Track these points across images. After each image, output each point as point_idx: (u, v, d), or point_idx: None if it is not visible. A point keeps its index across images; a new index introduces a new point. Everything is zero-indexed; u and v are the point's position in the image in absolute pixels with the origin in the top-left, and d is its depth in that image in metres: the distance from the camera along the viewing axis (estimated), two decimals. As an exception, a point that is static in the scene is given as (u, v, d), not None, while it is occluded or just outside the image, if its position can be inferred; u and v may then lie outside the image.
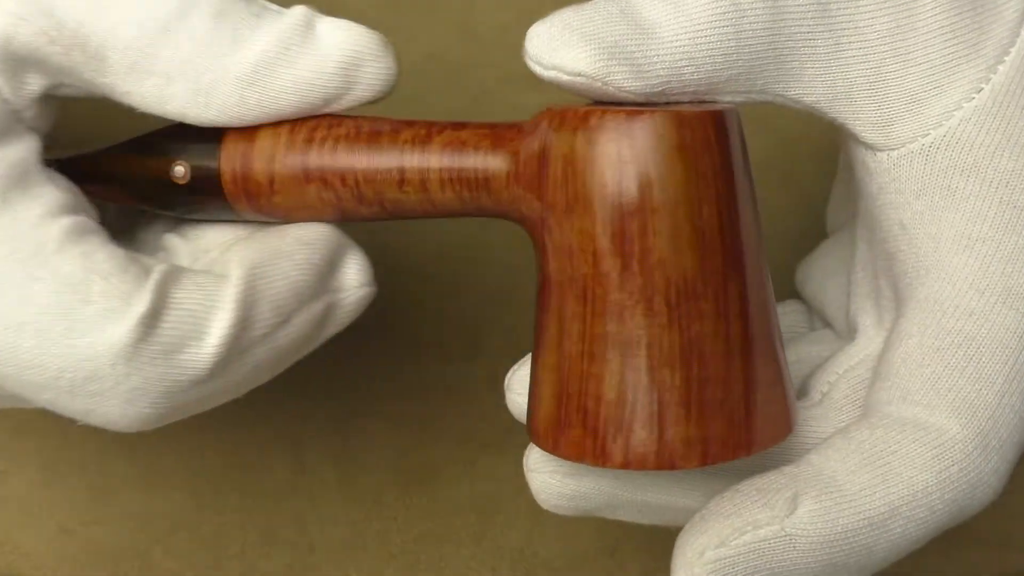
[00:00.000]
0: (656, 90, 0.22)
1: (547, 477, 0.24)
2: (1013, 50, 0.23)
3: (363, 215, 0.25)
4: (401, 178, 0.24)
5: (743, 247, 0.22)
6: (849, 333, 0.27)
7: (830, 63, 0.23)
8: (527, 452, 0.25)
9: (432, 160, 0.23)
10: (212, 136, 0.25)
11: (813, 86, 0.23)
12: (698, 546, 0.21)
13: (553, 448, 0.22)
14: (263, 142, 0.25)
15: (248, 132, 0.25)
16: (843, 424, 0.24)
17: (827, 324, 0.28)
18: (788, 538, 0.21)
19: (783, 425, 0.22)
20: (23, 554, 0.34)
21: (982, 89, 0.23)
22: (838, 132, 0.25)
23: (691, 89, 0.22)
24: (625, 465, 0.21)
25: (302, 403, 0.36)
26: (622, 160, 0.21)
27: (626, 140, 0.21)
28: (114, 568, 0.34)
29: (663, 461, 0.21)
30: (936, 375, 0.23)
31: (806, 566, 0.21)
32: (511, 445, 0.36)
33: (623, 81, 0.22)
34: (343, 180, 0.24)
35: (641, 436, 0.21)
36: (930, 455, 0.22)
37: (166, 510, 0.34)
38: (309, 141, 0.24)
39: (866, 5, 0.23)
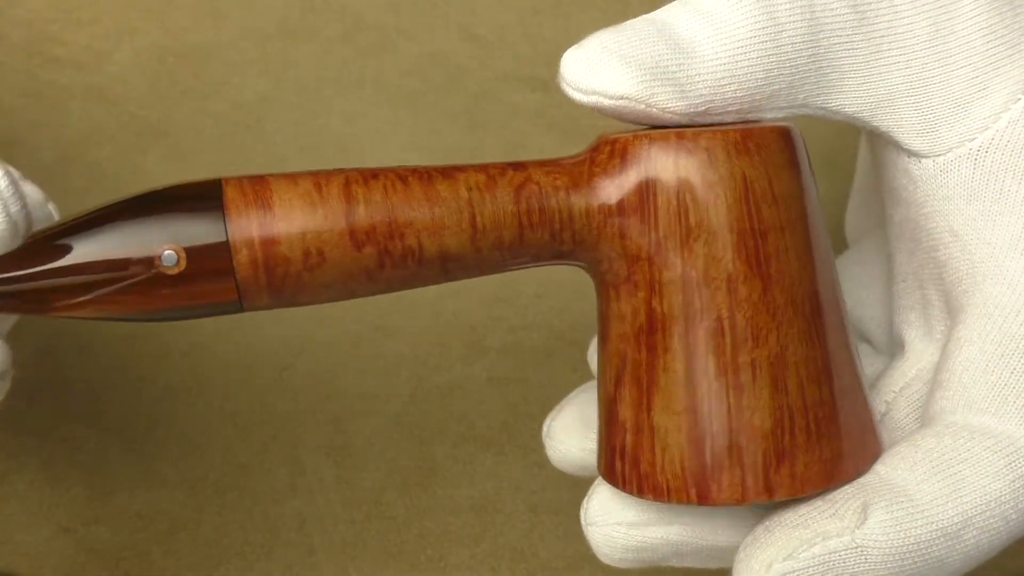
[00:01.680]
0: (700, 109, 0.22)
1: (610, 531, 0.23)
2: None
3: (415, 281, 0.21)
4: (473, 226, 0.21)
5: (831, 258, 0.22)
6: (891, 347, 0.26)
7: (870, 71, 0.23)
8: (585, 505, 0.23)
9: (508, 204, 0.21)
10: (209, 204, 0.20)
11: (855, 96, 0.23)
12: (765, 559, 0.20)
13: (702, 498, 0.20)
14: (284, 203, 0.20)
15: (257, 191, 0.20)
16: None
17: (863, 338, 0.28)
18: (859, 549, 0.20)
19: (878, 439, 0.22)
20: (23, 554, 0.34)
21: None
22: (873, 140, 0.25)
23: (734, 108, 0.22)
24: (793, 492, 0.20)
25: (301, 403, 0.36)
26: (748, 180, 0.21)
27: (746, 159, 0.21)
28: (114, 568, 0.34)
29: (829, 477, 0.20)
30: (1002, 381, 0.22)
31: None
32: (511, 445, 0.36)
33: (667, 102, 0.21)
34: (402, 237, 0.20)
35: (805, 460, 0.20)
36: (1003, 463, 0.21)
37: (166, 510, 0.34)
38: (348, 198, 0.20)
39: (904, 10, 0.22)
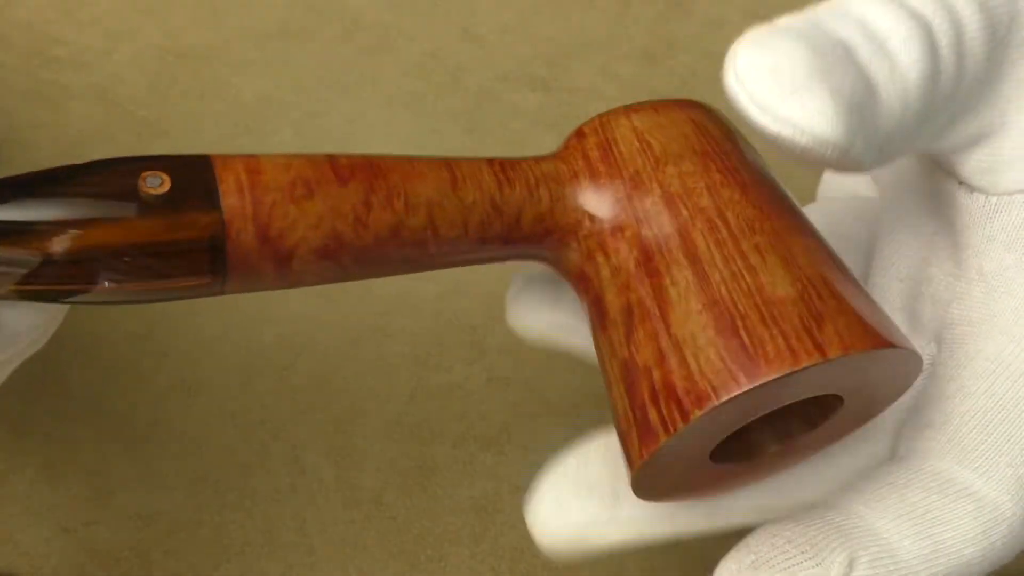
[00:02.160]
0: (875, 166, 0.20)
1: (552, 538, 0.23)
2: None
3: (403, 234, 0.21)
4: (452, 175, 0.21)
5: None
6: None
7: (957, 117, 0.21)
8: (530, 506, 0.24)
9: (482, 165, 0.21)
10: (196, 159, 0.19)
11: (950, 139, 0.22)
12: None
13: (752, 376, 0.19)
14: (269, 158, 0.20)
15: (243, 158, 0.19)
16: (851, 442, 0.24)
17: None
18: None
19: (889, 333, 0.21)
20: (23, 554, 0.34)
21: None
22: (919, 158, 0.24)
23: (887, 160, 0.21)
24: (845, 349, 0.19)
25: (301, 403, 0.36)
26: (695, 120, 0.22)
27: (690, 110, 0.22)
28: (114, 568, 0.34)
29: (876, 337, 0.20)
30: (998, 445, 0.22)
31: None
32: (511, 445, 0.36)
33: (862, 154, 0.19)
34: (385, 177, 0.20)
35: (845, 320, 0.19)
36: (980, 530, 0.22)
37: (166, 510, 0.34)
38: (330, 156, 0.20)
39: (1015, 51, 0.21)
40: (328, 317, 0.38)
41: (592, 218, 0.22)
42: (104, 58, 0.43)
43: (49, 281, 0.18)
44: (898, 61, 0.19)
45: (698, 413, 0.19)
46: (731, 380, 0.19)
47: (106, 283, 0.18)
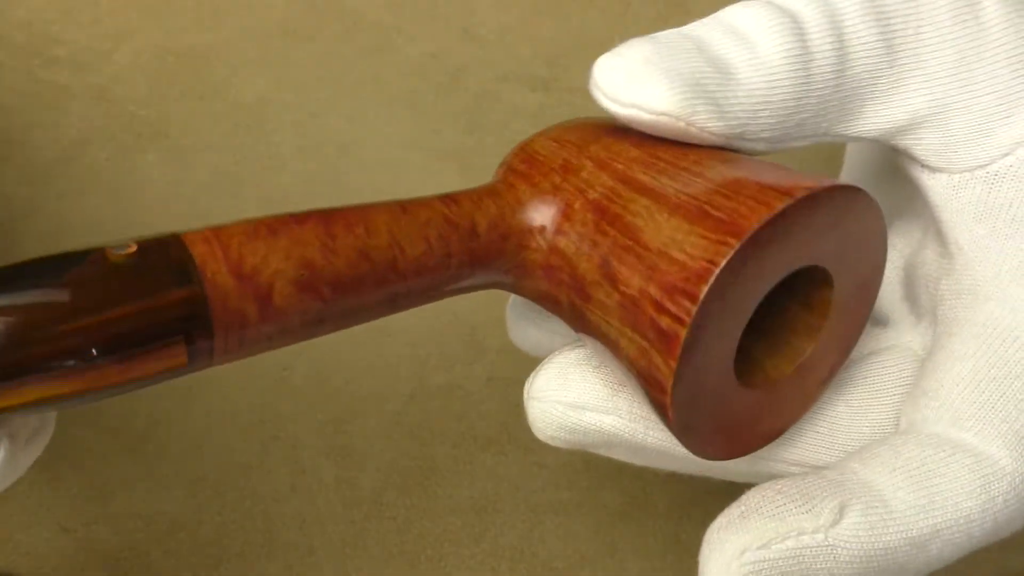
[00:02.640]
0: (735, 132, 0.22)
1: (550, 407, 0.24)
2: None
3: (373, 255, 0.21)
4: (400, 205, 0.22)
5: None
6: (874, 323, 0.27)
7: (891, 98, 0.23)
8: (530, 380, 0.24)
9: (428, 199, 0.22)
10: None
11: (875, 122, 0.23)
12: (740, 544, 0.21)
13: (740, 234, 0.20)
14: (232, 225, 0.20)
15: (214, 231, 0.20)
16: (857, 404, 0.24)
17: None
18: (830, 548, 0.21)
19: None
20: (23, 554, 0.34)
21: None
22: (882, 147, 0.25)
23: (766, 135, 0.22)
24: (808, 190, 0.20)
25: (301, 403, 0.36)
26: (596, 120, 0.24)
27: (588, 118, 0.25)
28: (114, 568, 0.33)
29: (824, 181, 0.21)
30: (991, 403, 0.22)
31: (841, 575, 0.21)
32: (511, 445, 0.36)
33: (706, 121, 0.21)
34: (342, 214, 0.21)
35: (797, 176, 0.21)
36: (978, 483, 0.21)
37: (166, 510, 0.34)
38: (288, 217, 0.21)
39: (929, 38, 0.23)
40: (328, 317, 0.38)
41: (540, 211, 0.23)
42: (104, 58, 0.43)
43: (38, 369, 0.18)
44: (759, 46, 0.22)
45: (704, 288, 0.19)
46: (722, 246, 0.20)
47: (88, 362, 0.18)
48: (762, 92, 0.22)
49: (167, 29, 0.43)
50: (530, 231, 0.23)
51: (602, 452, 0.25)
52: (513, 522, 0.35)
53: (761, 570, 0.21)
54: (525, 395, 0.24)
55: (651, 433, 0.24)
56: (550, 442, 0.24)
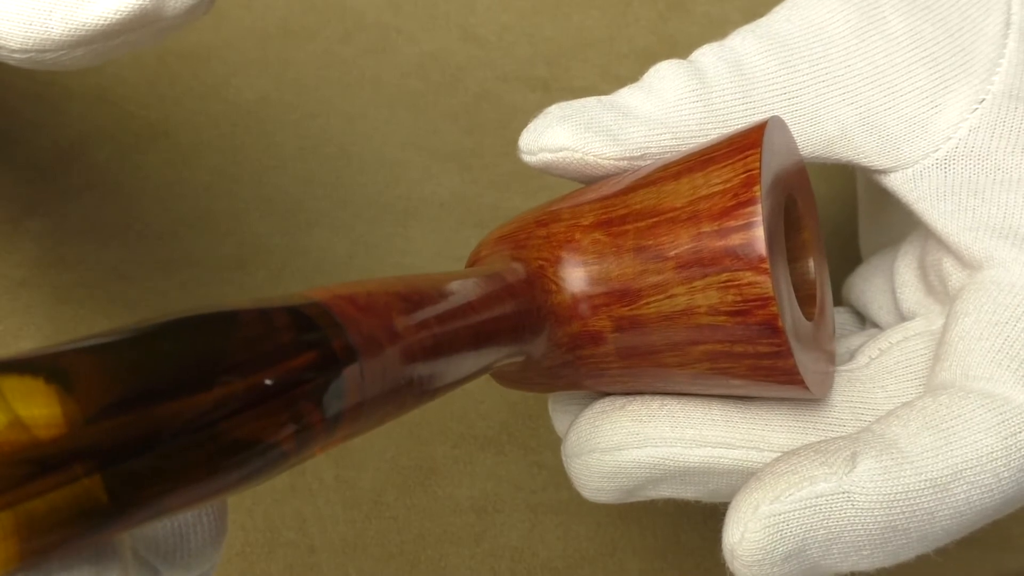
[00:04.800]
0: (636, 154, 0.24)
1: (588, 459, 0.24)
2: (1004, 60, 0.24)
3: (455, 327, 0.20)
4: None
5: None
6: (901, 320, 0.27)
7: (816, 114, 0.25)
8: (564, 440, 0.25)
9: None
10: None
11: (806, 139, 0.25)
12: (752, 501, 0.20)
13: (759, 140, 0.22)
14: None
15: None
16: (893, 388, 0.24)
17: (875, 324, 0.29)
18: (846, 495, 0.20)
19: None
20: (23, 554, 0.34)
21: (984, 99, 0.24)
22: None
23: (669, 151, 0.24)
24: (762, 123, 0.22)
25: (302, 403, 0.36)
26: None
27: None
28: (114, 568, 0.34)
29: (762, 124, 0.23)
30: (996, 348, 0.22)
31: (865, 526, 0.20)
32: (511, 445, 0.36)
33: (600, 149, 0.24)
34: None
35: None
36: (995, 420, 0.21)
37: (166, 510, 0.34)
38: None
39: (837, 56, 0.25)
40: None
41: (543, 258, 0.23)
42: (104, 58, 0.43)
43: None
44: (656, 89, 0.24)
45: (757, 188, 0.21)
46: (747, 158, 0.21)
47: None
48: (658, 119, 0.24)
49: (167, 29, 0.43)
50: (545, 275, 0.23)
51: (651, 494, 0.25)
52: (513, 522, 0.35)
53: (776, 523, 0.20)
54: (564, 459, 0.24)
55: (692, 451, 0.23)
56: (597, 496, 0.24)
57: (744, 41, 0.25)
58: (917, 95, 0.24)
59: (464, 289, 0.21)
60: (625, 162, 0.24)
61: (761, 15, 0.26)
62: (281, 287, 0.38)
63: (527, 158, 0.25)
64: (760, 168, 0.21)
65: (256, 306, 0.16)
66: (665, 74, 0.25)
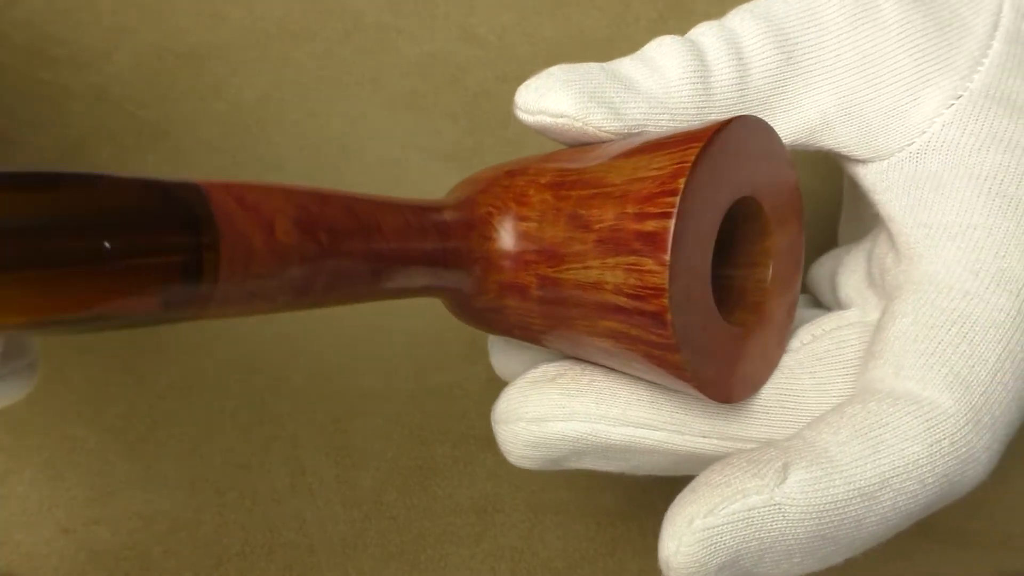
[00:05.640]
0: (634, 132, 0.24)
1: (514, 427, 0.24)
2: (987, 60, 0.25)
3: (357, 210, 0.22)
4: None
5: None
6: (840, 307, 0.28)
7: (801, 104, 0.25)
8: (494, 406, 0.25)
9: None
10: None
11: (789, 127, 0.25)
12: (688, 514, 0.21)
13: (700, 139, 0.22)
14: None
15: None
16: (821, 376, 0.25)
17: (826, 308, 0.29)
18: (777, 507, 0.21)
19: None
20: (23, 554, 0.34)
21: (960, 96, 0.24)
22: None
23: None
24: (711, 126, 0.22)
25: (301, 403, 0.36)
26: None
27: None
28: (114, 568, 0.34)
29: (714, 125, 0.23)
30: (930, 351, 0.23)
31: (795, 536, 0.21)
32: (511, 445, 0.36)
33: (601, 121, 0.24)
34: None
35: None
36: (922, 427, 0.22)
37: (166, 510, 0.34)
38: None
39: (830, 43, 0.25)
40: (328, 317, 0.38)
41: (496, 205, 0.24)
42: (104, 58, 0.43)
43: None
44: (659, 65, 0.24)
45: (683, 181, 0.21)
46: (688, 151, 0.21)
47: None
48: (659, 99, 0.24)
49: (167, 29, 0.43)
50: (490, 222, 0.24)
51: (573, 464, 0.25)
52: (513, 522, 0.35)
53: (711, 537, 0.21)
54: (492, 424, 0.25)
55: (615, 429, 0.24)
56: (522, 463, 0.25)
57: (743, 23, 0.25)
58: (899, 86, 0.25)
59: (381, 215, 0.22)
60: (621, 136, 0.24)
61: (761, 15, 0.26)
62: (281, 287, 0.38)
63: (523, 116, 0.24)
64: (694, 162, 0.21)
65: (137, 177, 0.18)
66: (668, 51, 0.25)
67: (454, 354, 0.36)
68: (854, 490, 0.21)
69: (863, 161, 0.25)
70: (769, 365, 0.25)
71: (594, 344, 0.23)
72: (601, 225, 0.22)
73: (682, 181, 0.21)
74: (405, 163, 0.41)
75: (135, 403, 0.36)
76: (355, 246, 0.22)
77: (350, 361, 0.37)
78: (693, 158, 0.21)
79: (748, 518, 0.21)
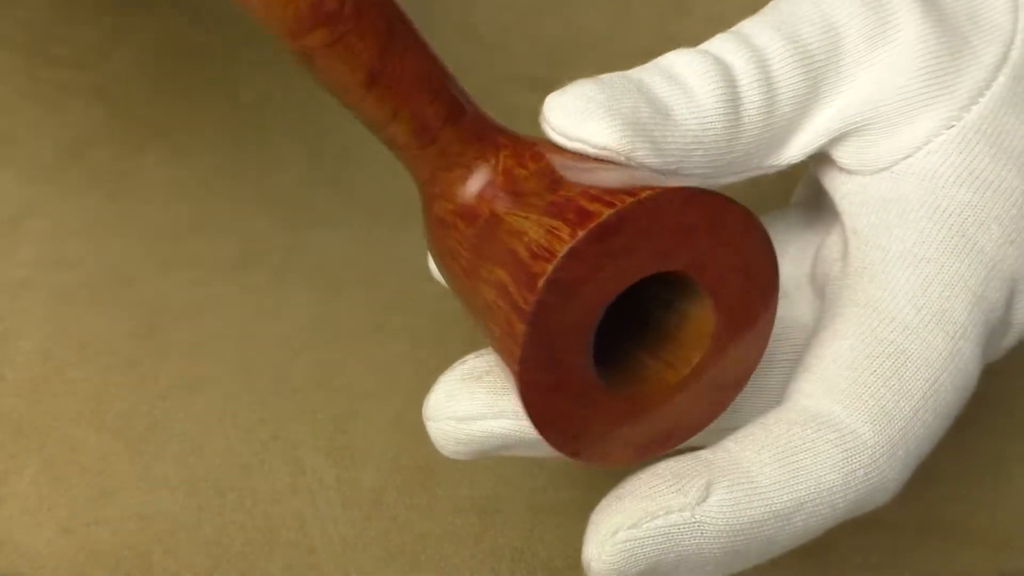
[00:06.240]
0: (671, 168, 0.24)
1: (443, 425, 0.25)
2: (988, 92, 0.25)
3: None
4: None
5: None
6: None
7: (816, 125, 0.25)
8: (425, 403, 0.26)
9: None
10: None
11: (800, 150, 0.25)
12: (613, 525, 0.22)
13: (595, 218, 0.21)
14: None
15: None
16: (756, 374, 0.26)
17: None
18: (697, 525, 0.22)
19: None
20: (23, 554, 0.34)
21: (953, 126, 0.25)
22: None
23: (699, 172, 0.24)
24: (653, 191, 0.21)
25: (301, 403, 0.36)
26: None
27: None
28: (114, 568, 0.34)
29: (671, 186, 0.22)
30: (862, 380, 0.23)
31: (711, 551, 0.22)
32: (511, 445, 0.36)
33: (645, 157, 0.23)
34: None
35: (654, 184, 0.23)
36: (841, 456, 0.23)
37: (166, 510, 0.34)
38: None
39: (848, 68, 0.25)
40: (328, 316, 0.38)
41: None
42: (104, 58, 0.43)
43: None
44: (693, 91, 0.24)
45: (614, 214, 0.20)
46: (557, 240, 0.21)
47: None
48: (695, 133, 0.24)
49: (167, 29, 0.43)
50: (496, 150, 0.24)
51: (506, 453, 0.26)
52: (513, 522, 0.35)
53: (632, 548, 0.22)
54: (424, 419, 0.26)
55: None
56: (454, 456, 0.26)
57: (772, 43, 0.25)
58: (901, 106, 0.25)
59: (423, 67, 0.24)
60: (656, 170, 0.24)
61: (760, 15, 0.26)
62: (281, 287, 0.38)
63: (559, 139, 0.23)
64: (548, 273, 0.20)
65: None
66: (698, 71, 0.24)
67: (454, 354, 0.36)
68: (770, 512, 0.22)
69: (848, 172, 0.26)
70: (649, 446, 0.24)
71: (483, 296, 0.23)
72: (564, 193, 0.22)
73: (613, 214, 0.20)
74: (405, 163, 0.41)
75: (135, 403, 0.36)
76: (370, 38, 0.23)
77: (350, 361, 0.37)
78: (549, 268, 0.20)
79: (668, 533, 0.22)
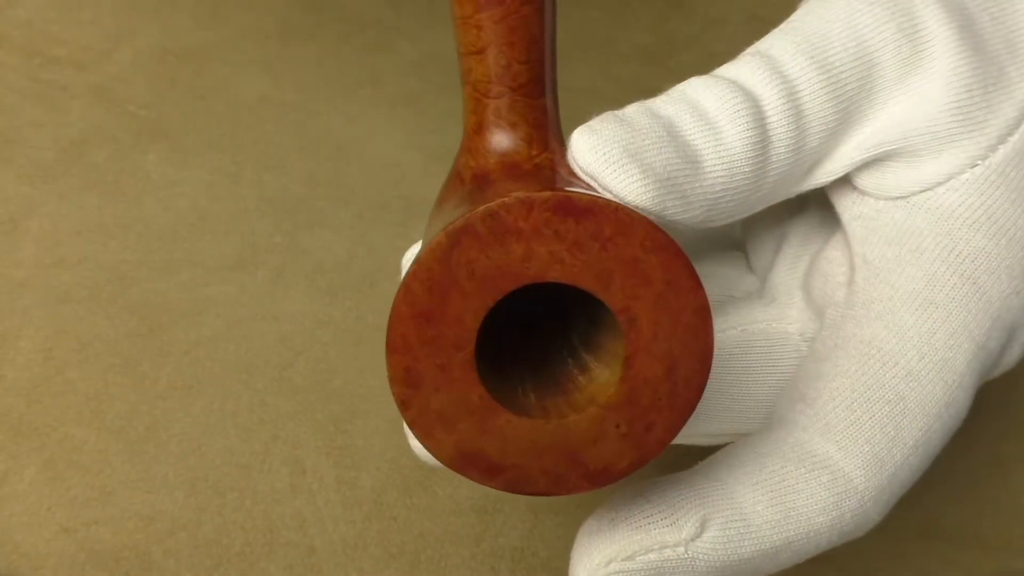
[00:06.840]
0: (698, 219, 0.23)
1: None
2: (1018, 132, 0.24)
3: None
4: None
5: None
6: (761, 289, 0.28)
7: (842, 157, 0.24)
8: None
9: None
10: None
11: (822, 178, 0.25)
12: (606, 555, 0.22)
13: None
14: None
15: None
16: (731, 390, 0.26)
17: (749, 264, 0.30)
18: (689, 560, 0.22)
19: None
20: (23, 554, 0.34)
21: (977, 164, 0.24)
22: None
23: (725, 215, 0.24)
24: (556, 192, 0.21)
25: (301, 403, 0.36)
26: None
27: None
28: (114, 568, 0.34)
29: (577, 193, 0.22)
30: (859, 423, 0.24)
31: None
32: (511, 445, 0.36)
33: (674, 214, 0.22)
34: None
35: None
36: (832, 501, 0.23)
37: (166, 510, 0.34)
38: None
39: (879, 97, 0.24)
40: (328, 317, 0.38)
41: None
42: (104, 58, 0.43)
43: None
44: (724, 134, 0.23)
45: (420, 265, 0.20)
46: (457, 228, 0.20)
47: None
48: (723, 181, 0.23)
49: (167, 29, 0.43)
50: (533, 141, 0.24)
51: None
52: (513, 522, 0.35)
53: None
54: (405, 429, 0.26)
55: None
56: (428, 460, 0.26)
57: (804, 72, 0.23)
58: (928, 139, 0.24)
59: (535, 28, 0.26)
60: (686, 225, 0.23)
61: (760, 16, 0.25)
62: (281, 287, 0.38)
63: (587, 180, 0.22)
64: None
65: None
66: (730, 109, 0.23)
67: (454, 354, 0.36)
68: (760, 551, 0.23)
69: (862, 193, 0.25)
70: (576, 469, 0.21)
71: (434, 228, 0.22)
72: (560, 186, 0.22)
73: (587, 195, 0.20)
74: (405, 163, 0.41)
75: (135, 403, 0.36)
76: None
77: (350, 361, 0.37)
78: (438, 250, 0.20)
79: (660, 567, 0.22)
